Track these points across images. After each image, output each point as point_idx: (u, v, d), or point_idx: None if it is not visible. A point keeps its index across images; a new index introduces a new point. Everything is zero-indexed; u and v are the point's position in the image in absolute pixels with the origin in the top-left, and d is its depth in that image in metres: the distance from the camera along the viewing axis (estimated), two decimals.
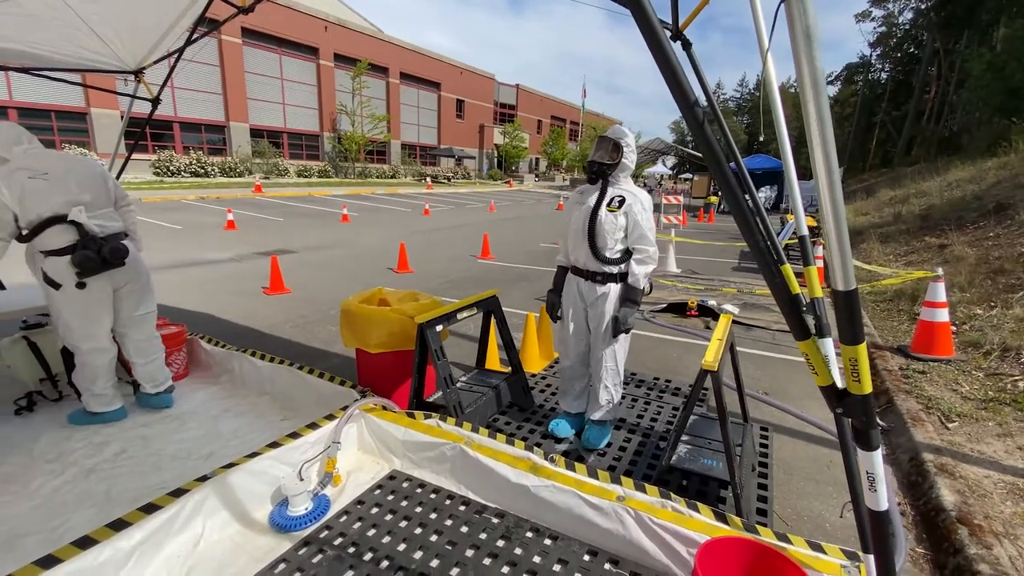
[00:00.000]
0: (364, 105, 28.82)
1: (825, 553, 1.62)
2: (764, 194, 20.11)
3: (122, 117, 4.12)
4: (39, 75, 3.71)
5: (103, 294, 2.63)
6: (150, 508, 1.78)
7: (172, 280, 6.37)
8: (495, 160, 42.32)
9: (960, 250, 6.74)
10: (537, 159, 47.58)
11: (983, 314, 4.54)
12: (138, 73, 3.98)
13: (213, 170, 23.09)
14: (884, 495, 0.93)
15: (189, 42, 3.55)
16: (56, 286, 2.47)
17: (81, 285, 2.50)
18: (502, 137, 40.81)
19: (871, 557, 1.44)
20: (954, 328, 4.26)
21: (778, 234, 8.94)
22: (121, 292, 2.73)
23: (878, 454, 0.90)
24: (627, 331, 2.45)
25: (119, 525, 1.68)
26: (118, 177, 4.05)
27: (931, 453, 2.52)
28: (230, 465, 2.04)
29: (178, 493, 1.86)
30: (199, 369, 3.52)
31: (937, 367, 3.69)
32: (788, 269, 1.81)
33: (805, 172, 12.39)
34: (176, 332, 3.37)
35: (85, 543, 1.57)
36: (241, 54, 24.68)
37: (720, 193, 21.88)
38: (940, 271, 4.01)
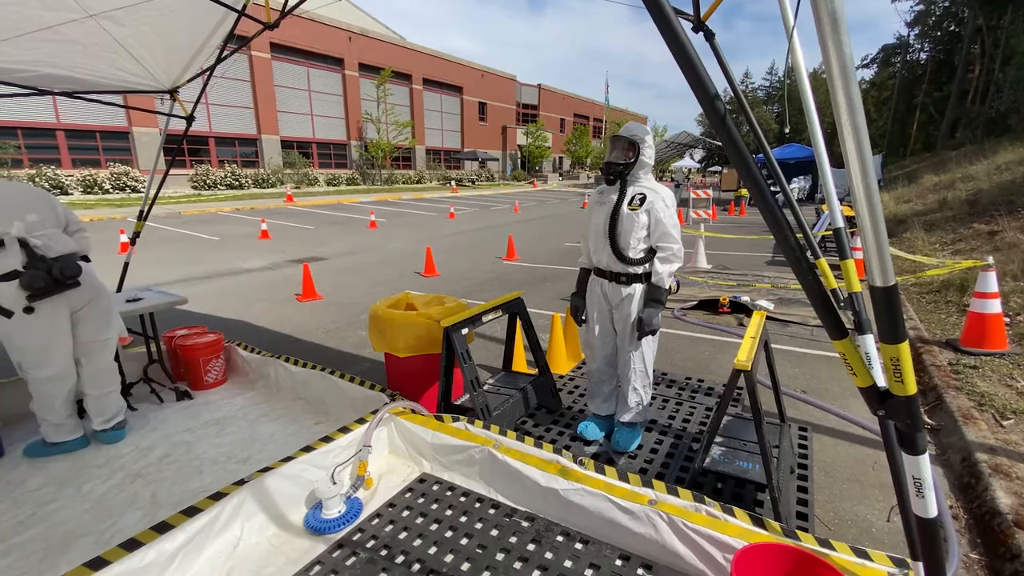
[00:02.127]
0: (389, 112, 29.33)
1: (871, 560, 1.54)
2: (797, 184, 19.48)
3: (160, 135, 4.30)
4: (83, 98, 3.91)
5: (58, 318, 2.45)
6: (192, 511, 1.85)
7: (210, 290, 6.60)
8: (518, 161, 42.34)
9: (1012, 236, 6.36)
10: (561, 158, 47.35)
11: None
12: (173, 92, 4.15)
13: (247, 182, 23.89)
14: (933, 501, 0.88)
15: (220, 59, 3.68)
16: (7, 314, 2.31)
17: (29, 310, 2.33)
18: (525, 138, 40.80)
19: (920, 565, 1.37)
20: (1007, 319, 4.02)
21: (813, 226, 8.64)
22: (79, 315, 2.55)
23: (925, 458, 0.85)
24: (652, 332, 2.38)
25: (163, 528, 1.74)
26: (158, 192, 4.23)
27: (985, 453, 2.38)
28: (266, 469, 2.10)
29: (217, 496, 1.92)
30: (237, 375, 3.64)
31: (990, 361, 3.48)
32: (824, 263, 1.75)
33: (839, 160, 11.87)
34: (214, 340, 3.49)
35: (132, 545, 1.63)
36: (270, 68, 25.46)
37: None
38: (991, 259, 3.79)
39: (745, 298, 5.35)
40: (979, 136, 22.17)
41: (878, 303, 0.75)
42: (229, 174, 23.42)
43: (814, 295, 0.83)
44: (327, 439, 2.33)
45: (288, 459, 2.17)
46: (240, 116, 24.97)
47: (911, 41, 36.34)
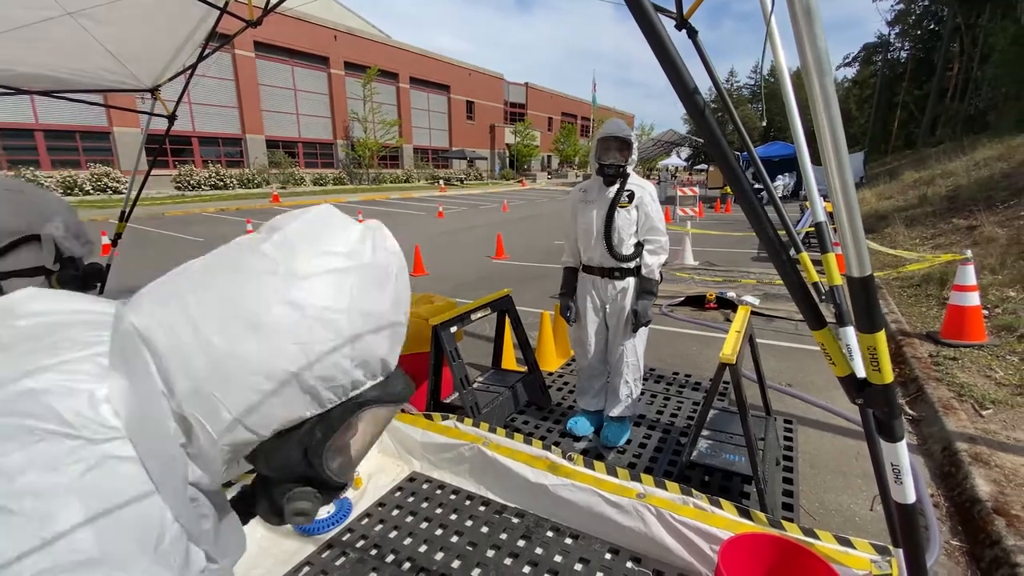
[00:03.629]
0: (375, 111, 29.13)
1: (854, 548, 1.57)
2: (782, 182, 19.72)
3: (142, 134, 4.23)
4: (62, 97, 3.83)
5: None
6: None
7: None
8: (507, 160, 42.33)
9: (990, 231, 6.50)
10: (549, 157, 47.43)
11: (1016, 296, 4.38)
12: (154, 91, 4.08)
13: (232, 182, 23.60)
14: (911, 487, 0.90)
15: (202, 57, 3.63)
16: None
17: None
18: (513, 136, 40.79)
19: (902, 551, 1.40)
20: (986, 312, 4.11)
21: (798, 222, 8.75)
22: None
23: (902, 445, 0.87)
24: (647, 323, 2.42)
25: None
26: (140, 192, 4.16)
27: (965, 442, 2.43)
28: (252, 471, 2.08)
29: None
30: None
31: (969, 353, 3.56)
32: (806, 257, 1.77)
33: (819, 157, 12.02)
34: None
35: None
36: (254, 67, 25.16)
37: (748, 179, 21.56)
38: (969, 253, 3.88)
39: (731, 294, 5.41)
40: (958, 133, 22.62)
41: (855, 293, 0.77)
42: (213, 174, 23.11)
43: (793, 287, 0.85)
44: None
45: None
46: (224, 115, 24.65)
47: (892, 40, 36.95)
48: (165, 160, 22.48)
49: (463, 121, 38.37)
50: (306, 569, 1.81)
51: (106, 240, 9.02)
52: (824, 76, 0.66)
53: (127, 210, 4.15)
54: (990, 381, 3.11)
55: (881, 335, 0.79)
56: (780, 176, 19.97)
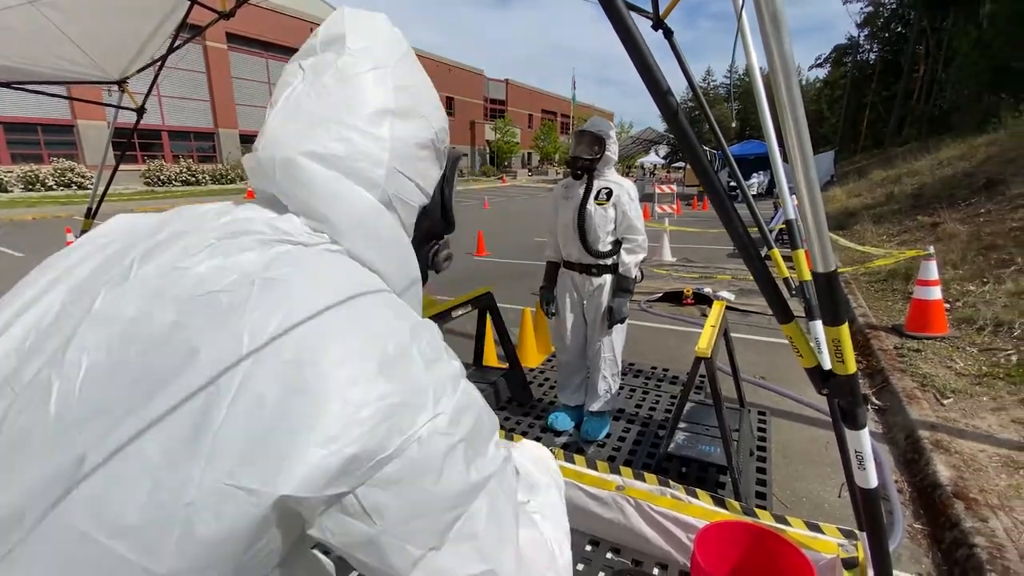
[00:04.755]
0: None
1: (823, 533, 1.63)
2: (756, 180, 20.13)
3: (109, 128, 4.09)
4: (22, 89, 3.69)
5: None
6: None
7: None
8: (487, 156, 42.25)
9: (952, 227, 6.77)
10: (529, 154, 47.50)
11: (976, 290, 4.57)
12: (122, 83, 3.96)
13: (204, 178, 23.04)
14: (873, 473, 0.94)
15: (172, 49, 3.53)
16: None
17: None
18: (493, 133, 40.73)
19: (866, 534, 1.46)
20: (947, 305, 4.28)
21: (771, 219, 8.96)
22: None
23: (865, 432, 0.91)
24: (622, 321, 2.45)
25: None
26: (107, 188, 4.04)
27: (927, 430, 2.54)
28: None
29: None
30: None
31: (931, 344, 3.71)
32: (776, 254, 1.83)
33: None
34: None
35: None
36: (227, 59, 24.57)
37: (723, 178, 21.90)
38: (932, 249, 4.03)
39: (707, 289, 5.52)
40: (923, 133, 23.43)
41: (821, 288, 0.80)
42: (185, 170, 22.53)
43: (762, 281, 0.88)
44: None
45: None
46: (196, 109, 24.02)
47: (861, 42, 37.98)
48: (133, 155, 21.81)
49: None
50: None
51: (71, 238, 8.71)
52: (790, 78, 0.68)
53: (94, 206, 4.03)
54: (951, 372, 3.25)
55: (845, 328, 0.82)
56: (755, 174, 20.38)
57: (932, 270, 3.91)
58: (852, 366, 0.84)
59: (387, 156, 0.56)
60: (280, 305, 0.44)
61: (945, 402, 2.86)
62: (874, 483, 0.95)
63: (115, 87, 3.97)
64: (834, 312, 0.80)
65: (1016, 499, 1.96)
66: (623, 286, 2.43)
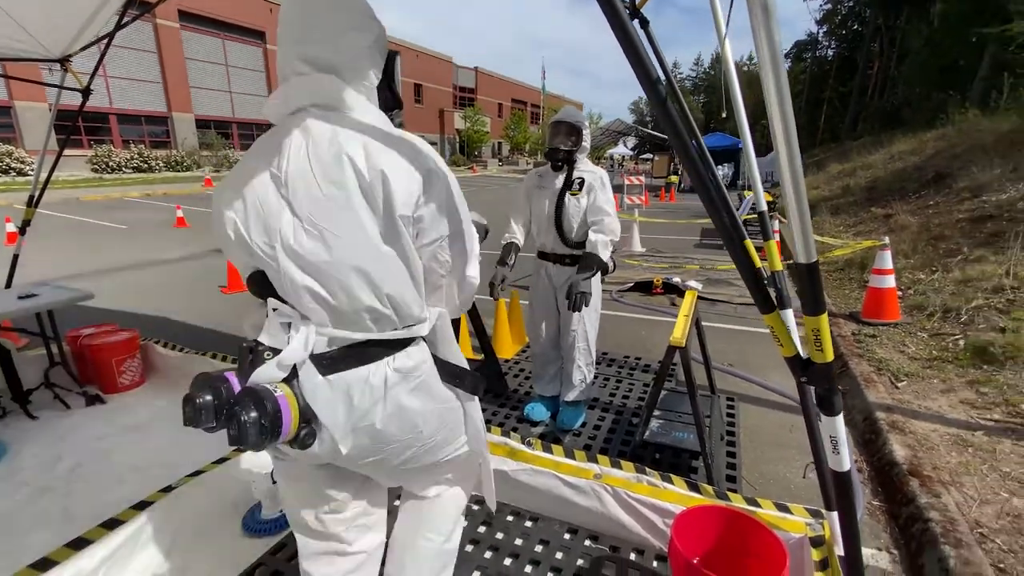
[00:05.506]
0: None
1: (791, 513, 1.70)
2: (721, 172, 20.58)
3: (51, 110, 3.82)
4: None
5: None
6: (113, 523, 1.71)
7: (120, 284, 6.04)
8: (457, 145, 41.77)
9: (904, 219, 7.10)
10: (500, 143, 47.21)
11: (925, 278, 4.82)
12: (64, 61, 3.69)
13: (158, 164, 21.94)
14: (847, 456, 0.98)
15: (119, 26, 3.31)
16: None
17: None
18: (463, 122, 40.26)
19: (834, 514, 1.52)
20: (900, 293, 4.50)
21: (737, 210, 9.20)
22: None
23: (840, 419, 0.94)
24: (585, 298, 2.22)
25: (80, 544, 1.60)
26: (50, 174, 3.79)
27: (883, 412, 2.67)
28: (197, 472, 1.97)
29: (142, 506, 1.79)
30: (157, 375, 3.37)
31: (886, 331, 3.90)
32: (749, 244, 1.87)
33: (761, 148, 12.66)
34: (128, 338, 3.21)
35: (44, 565, 1.48)
36: (180, 39, 23.34)
37: (681, 172, 22.30)
38: (887, 240, 4.22)
39: (676, 279, 5.63)
40: (877, 128, 24.41)
41: (802, 279, 0.81)
42: (136, 155, 21.38)
43: (746, 272, 0.89)
44: None
45: (221, 460, 2.05)
46: (147, 91, 22.76)
47: (820, 38, 39.17)
48: (79, 139, 20.55)
49: (411, 104, 37.40)
50: (258, 571, 1.75)
51: (11, 228, 8.16)
52: (778, 69, 0.68)
53: (36, 194, 3.77)
54: (904, 356, 3.42)
55: (824, 318, 0.84)
56: (719, 167, 20.84)
57: (887, 259, 4.09)
58: (830, 354, 0.87)
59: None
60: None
61: (899, 385, 3.00)
62: (847, 466, 0.99)
63: (56, 66, 3.70)
64: (815, 302, 0.82)
65: (965, 475, 2.09)
66: (585, 263, 2.32)
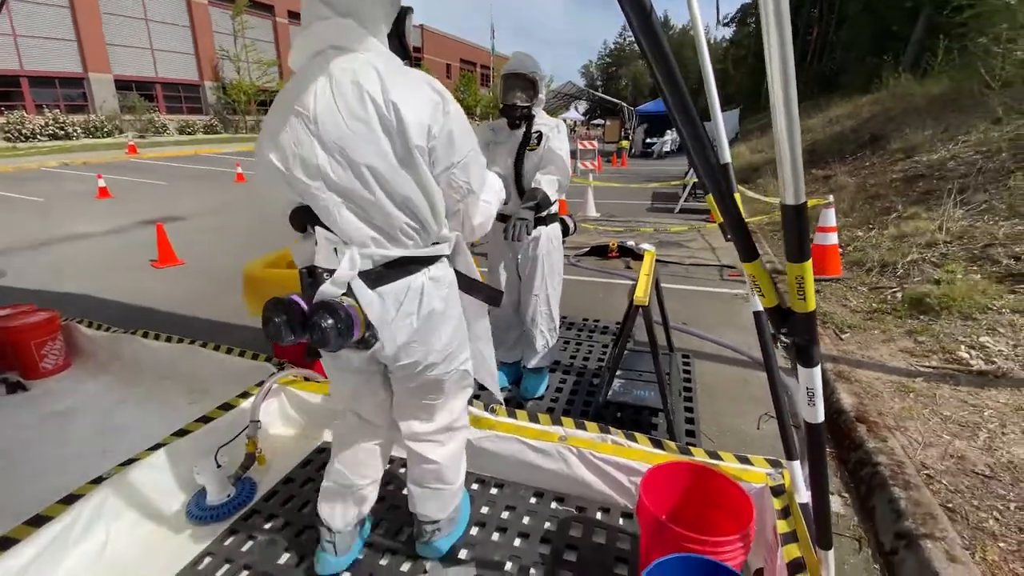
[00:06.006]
0: (249, 49, 25.80)
1: (752, 464, 1.73)
2: (670, 136, 20.86)
3: None
4: None
5: None
6: (39, 520, 1.54)
7: (39, 260, 5.48)
8: None
9: (842, 180, 7.41)
10: None
11: (863, 236, 5.06)
12: None
13: (76, 131, 19.91)
14: (822, 409, 0.96)
15: None
16: None
17: None
18: None
19: (794, 463, 1.56)
20: (840, 250, 4.71)
21: (686, 173, 9.33)
22: None
23: (818, 370, 0.92)
24: (522, 224, 2.09)
25: (5, 544, 1.43)
26: None
27: (830, 363, 2.79)
28: (131, 461, 1.80)
29: (71, 499, 1.62)
30: (84, 358, 3.08)
31: (829, 286, 4.07)
32: (710, 198, 1.83)
33: (703, 113, 12.74)
34: (47, 318, 2.90)
35: None
36: None
37: (632, 137, 22.38)
38: (831, 198, 4.36)
39: (631, 242, 5.66)
40: (816, 92, 25.27)
41: (789, 221, 0.76)
42: (51, 121, 19.29)
43: (730, 217, 0.83)
44: (206, 419, 2.06)
45: (158, 446, 1.88)
46: (59, 50, 20.35)
47: None
48: None
49: None
50: (207, 560, 1.63)
51: None
52: (780, 7, 0.60)
53: None
54: (847, 309, 3.59)
55: (809, 264, 0.80)
56: (669, 131, 21.09)
57: (831, 217, 4.24)
58: (812, 303, 0.83)
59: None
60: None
61: (843, 336, 3.15)
62: (821, 418, 0.97)
63: None
64: (800, 247, 0.77)
65: (909, 420, 2.21)
66: (529, 194, 2.20)
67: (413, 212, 1.13)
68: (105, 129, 20.84)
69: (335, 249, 1.11)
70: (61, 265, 5.33)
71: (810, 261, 0.79)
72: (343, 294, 1.08)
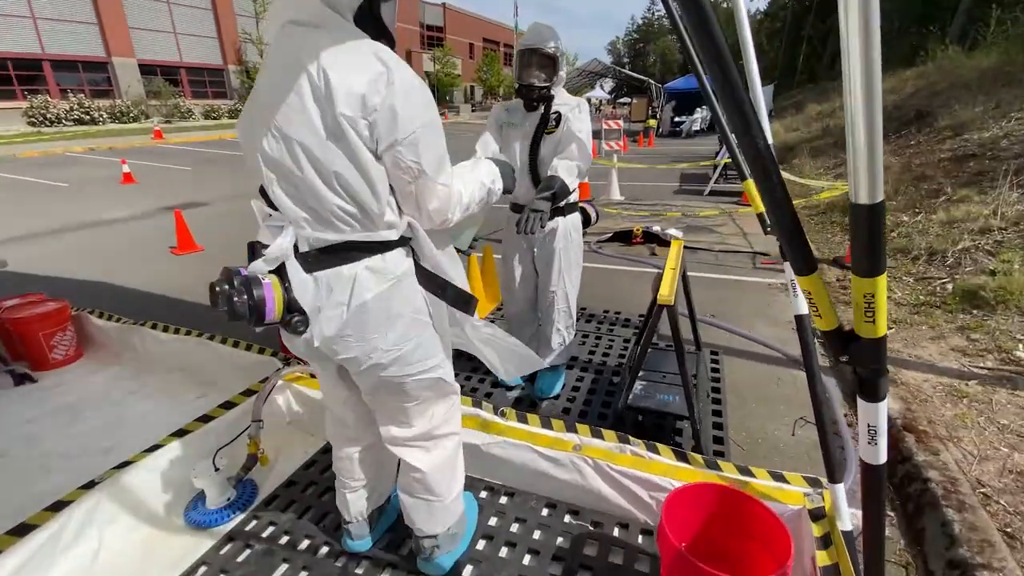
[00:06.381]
0: None
1: (787, 483, 1.56)
2: (700, 114, 20.11)
3: None
4: None
5: None
6: (24, 529, 1.48)
7: (60, 247, 5.54)
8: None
9: (886, 159, 6.91)
10: (472, 87, 45.14)
11: (909, 220, 4.71)
12: None
13: (101, 116, 20.30)
14: (884, 449, 0.79)
15: None
16: None
17: None
18: (432, 64, 38.15)
19: (837, 487, 1.38)
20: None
21: (717, 154, 8.93)
22: None
23: (884, 405, 0.75)
24: (535, 216, 1.87)
25: None
26: None
27: None
28: (124, 464, 1.73)
29: (59, 506, 1.55)
30: (95, 349, 3.06)
31: None
32: (750, 184, 1.62)
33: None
34: (56, 308, 2.88)
35: None
36: None
37: (659, 116, 21.69)
38: None
39: (657, 227, 5.41)
40: None
41: (860, 224, 0.59)
42: (76, 106, 19.69)
43: (782, 219, 0.65)
44: (206, 418, 1.98)
45: (155, 448, 1.81)
46: (81, 34, 20.66)
47: None
48: (11, 90, 18.73)
49: None
50: (202, 569, 1.55)
51: None
52: None
53: None
54: (890, 302, 3.32)
55: (882, 280, 0.62)
56: (699, 109, 20.33)
57: None
58: (883, 327, 0.65)
59: None
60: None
61: (887, 332, 2.90)
62: (883, 459, 0.80)
63: None
64: (873, 257, 0.60)
65: (962, 429, 1.99)
66: (545, 183, 1.99)
67: (349, 193, 1.03)
68: (131, 114, 21.21)
69: (279, 228, 1.08)
70: (81, 251, 5.38)
71: (884, 276, 0.62)
72: (271, 272, 1.05)
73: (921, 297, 3.28)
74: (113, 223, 6.63)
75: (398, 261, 1.16)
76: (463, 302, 1.31)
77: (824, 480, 1.52)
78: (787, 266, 1.46)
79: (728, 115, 0.58)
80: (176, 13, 23.77)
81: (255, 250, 1.09)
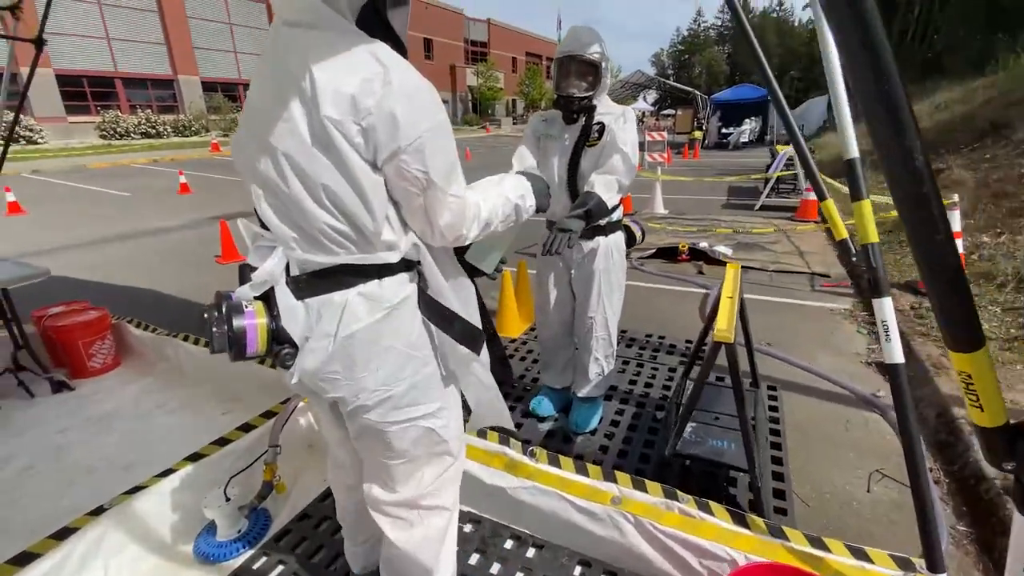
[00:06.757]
0: None
1: (871, 562, 1.30)
2: (748, 126, 19.43)
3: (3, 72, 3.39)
4: None
5: None
6: (25, 559, 1.40)
7: (114, 255, 5.77)
8: (469, 104, 40.38)
9: (958, 174, 6.38)
10: (514, 100, 45.47)
11: (991, 242, 4.24)
12: (14, 9, 3.25)
13: (166, 130, 21.57)
14: None
15: None
16: None
17: None
18: (475, 78, 38.70)
19: None
20: (965, 259, 3.96)
21: (768, 167, 8.48)
22: None
23: None
24: (563, 236, 1.69)
25: None
26: (8, 139, 3.41)
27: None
28: (136, 489, 1.65)
29: (64, 534, 1.48)
30: (132, 358, 3.09)
31: None
32: (830, 204, 1.40)
33: (789, 100, 11.61)
34: (97, 317, 2.91)
35: None
36: None
37: (705, 127, 21.10)
38: (956, 197, 3.65)
39: (704, 244, 5.11)
40: (918, 76, 22.66)
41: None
42: (144, 121, 21.00)
43: (938, 269, 0.46)
44: (222, 441, 1.89)
45: (167, 472, 1.73)
46: (150, 53, 22.12)
47: None
48: (85, 105, 20.17)
49: (421, 60, 35.97)
50: None
51: (11, 197, 7.92)
52: None
53: None
54: None
55: None
56: (747, 120, 19.66)
57: (955, 221, 3.54)
58: None
59: None
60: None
61: None
62: None
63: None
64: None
65: None
66: (580, 200, 1.83)
67: (339, 208, 0.90)
68: (192, 128, 22.42)
69: (269, 249, 0.97)
70: (135, 259, 5.58)
71: None
72: (258, 298, 0.94)
73: (1012, 331, 2.88)
74: (166, 231, 6.89)
75: (397, 288, 1.01)
76: (471, 339, 1.14)
77: (918, 563, 1.26)
78: (885, 303, 1.22)
79: (871, 119, 0.40)
80: (238, 34, 25.12)
81: (244, 273, 0.98)
